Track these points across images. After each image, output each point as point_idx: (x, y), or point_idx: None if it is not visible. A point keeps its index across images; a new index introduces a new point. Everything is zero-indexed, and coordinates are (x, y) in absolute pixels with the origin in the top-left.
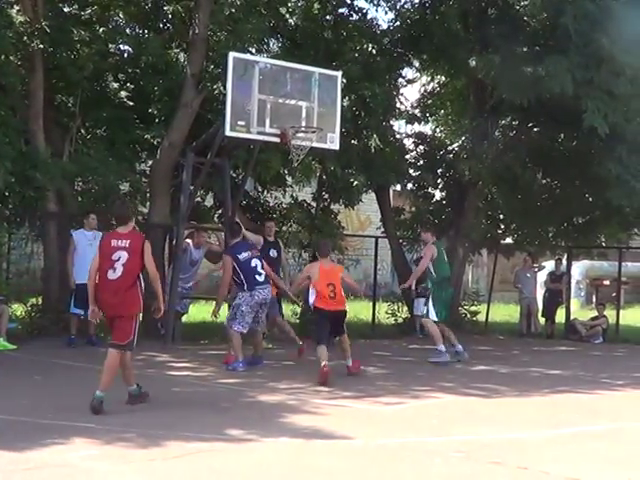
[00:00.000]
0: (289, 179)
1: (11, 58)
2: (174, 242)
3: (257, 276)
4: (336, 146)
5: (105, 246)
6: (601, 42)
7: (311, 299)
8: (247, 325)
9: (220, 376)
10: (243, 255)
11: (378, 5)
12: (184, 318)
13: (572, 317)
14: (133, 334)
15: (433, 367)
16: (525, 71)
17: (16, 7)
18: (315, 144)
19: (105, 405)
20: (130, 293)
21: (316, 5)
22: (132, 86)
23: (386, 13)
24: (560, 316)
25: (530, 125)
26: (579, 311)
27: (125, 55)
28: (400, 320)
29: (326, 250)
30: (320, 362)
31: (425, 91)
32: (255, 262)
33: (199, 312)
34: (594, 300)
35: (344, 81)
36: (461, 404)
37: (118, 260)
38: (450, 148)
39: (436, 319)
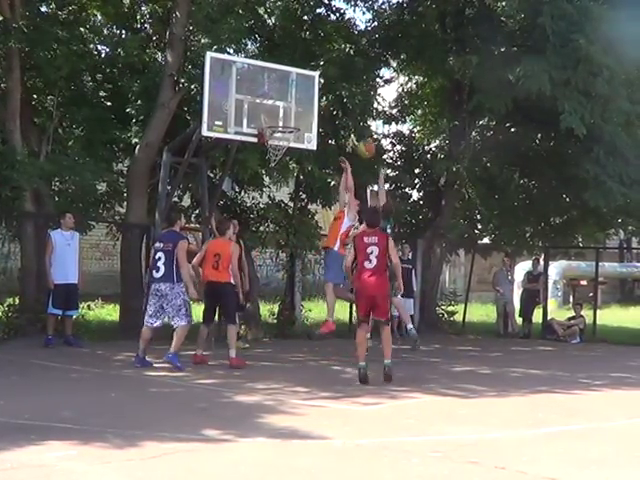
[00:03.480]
0: (266, 179)
1: None
2: (151, 242)
3: (154, 270)
4: (313, 146)
5: (360, 243)
6: (578, 43)
7: None
8: (148, 318)
9: (197, 376)
10: (156, 245)
11: (356, 6)
12: None
13: (549, 317)
14: (389, 311)
15: (411, 368)
16: (503, 72)
17: None
18: (292, 144)
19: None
20: (382, 277)
21: (294, 5)
22: (109, 86)
23: (364, 14)
24: (537, 316)
25: (508, 125)
26: (556, 311)
27: (102, 55)
28: None
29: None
30: None
31: (403, 91)
32: (159, 255)
33: None
34: (571, 300)
35: (322, 81)
36: (439, 404)
37: (371, 253)
38: (427, 148)
39: None
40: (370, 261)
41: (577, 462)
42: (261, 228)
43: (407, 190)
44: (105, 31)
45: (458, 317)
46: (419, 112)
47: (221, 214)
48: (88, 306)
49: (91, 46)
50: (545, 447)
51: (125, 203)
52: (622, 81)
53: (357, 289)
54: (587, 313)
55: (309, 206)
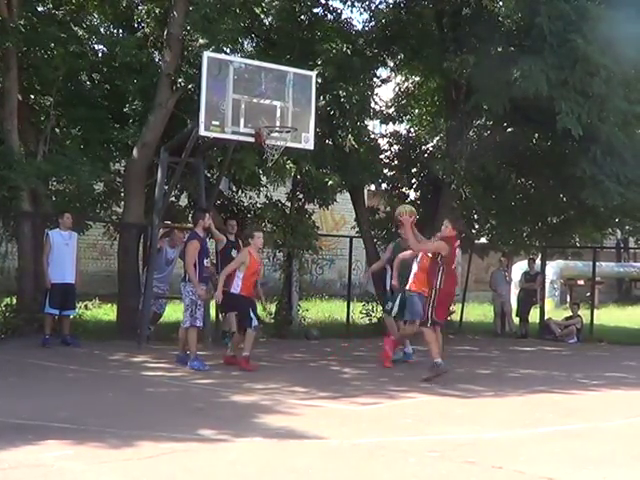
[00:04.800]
0: (264, 179)
1: None
2: (148, 242)
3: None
4: (311, 146)
5: (454, 251)
6: (576, 43)
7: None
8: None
9: (194, 376)
10: None
11: (353, 5)
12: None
13: (546, 317)
14: (425, 313)
15: (408, 367)
16: (500, 71)
17: None
18: (290, 144)
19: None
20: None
21: (291, 5)
22: (107, 86)
23: (361, 14)
24: (534, 316)
25: (505, 125)
26: (553, 311)
27: (100, 55)
28: (375, 320)
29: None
30: None
31: (400, 91)
32: None
33: (175, 312)
34: (568, 300)
35: (319, 81)
36: (436, 404)
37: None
38: (425, 148)
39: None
40: (455, 267)
41: (574, 462)
42: None
43: (404, 190)
44: (102, 31)
45: (455, 317)
46: (416, 112)
47: (218, 214)
48: (85, 306)
49: (88, 46)
50: (542, 447)
51: (122, 203)
52: (619, 81)
53: (445, 293)
54: (584, 313)
55: (306, 206)
